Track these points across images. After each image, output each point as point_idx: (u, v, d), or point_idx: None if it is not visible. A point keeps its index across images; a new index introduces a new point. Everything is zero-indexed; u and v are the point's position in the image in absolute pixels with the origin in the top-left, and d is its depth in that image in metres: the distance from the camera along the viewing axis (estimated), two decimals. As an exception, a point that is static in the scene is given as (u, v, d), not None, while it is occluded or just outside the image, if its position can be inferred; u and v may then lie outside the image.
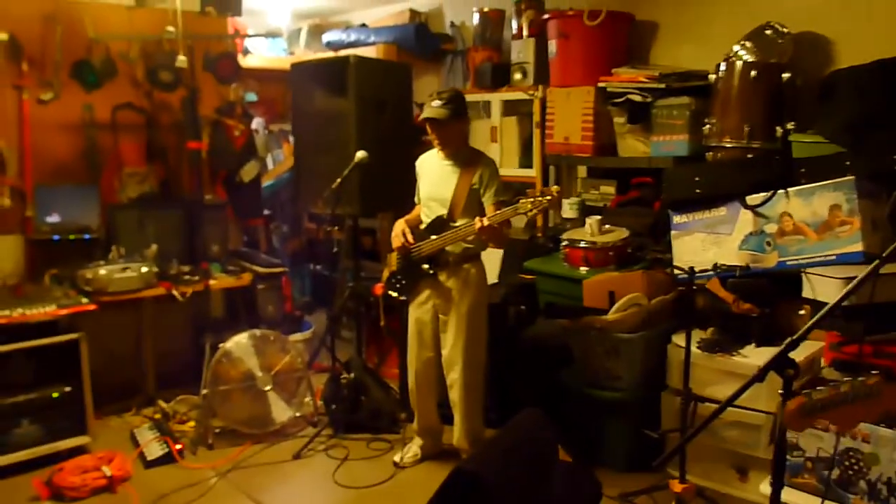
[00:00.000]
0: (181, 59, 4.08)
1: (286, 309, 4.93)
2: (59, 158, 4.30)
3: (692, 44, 4.06)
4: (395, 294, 3.59)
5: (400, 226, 3.55)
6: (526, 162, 4.65)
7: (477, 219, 3.18)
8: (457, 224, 3.36)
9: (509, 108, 4.74)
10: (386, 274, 3.67)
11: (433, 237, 3.40)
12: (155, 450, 3.74)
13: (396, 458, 3.67)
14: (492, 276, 4.56)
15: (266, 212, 5.55)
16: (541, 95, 4.44)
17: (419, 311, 3.56)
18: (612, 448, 3.52)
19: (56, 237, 4.18)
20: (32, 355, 3.63)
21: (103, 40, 4.21)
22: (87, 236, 4.22)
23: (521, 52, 4.62)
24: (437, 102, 3.32)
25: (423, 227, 3.51)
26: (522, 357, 3.72)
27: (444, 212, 3.41)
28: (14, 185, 4.17)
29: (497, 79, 4.75)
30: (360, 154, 3.64)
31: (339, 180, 3.63)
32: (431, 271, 3.43)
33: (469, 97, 4.87)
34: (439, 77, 5.48)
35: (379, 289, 3.76)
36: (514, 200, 3.13)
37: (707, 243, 3.04)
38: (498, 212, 3.20)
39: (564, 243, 3.94)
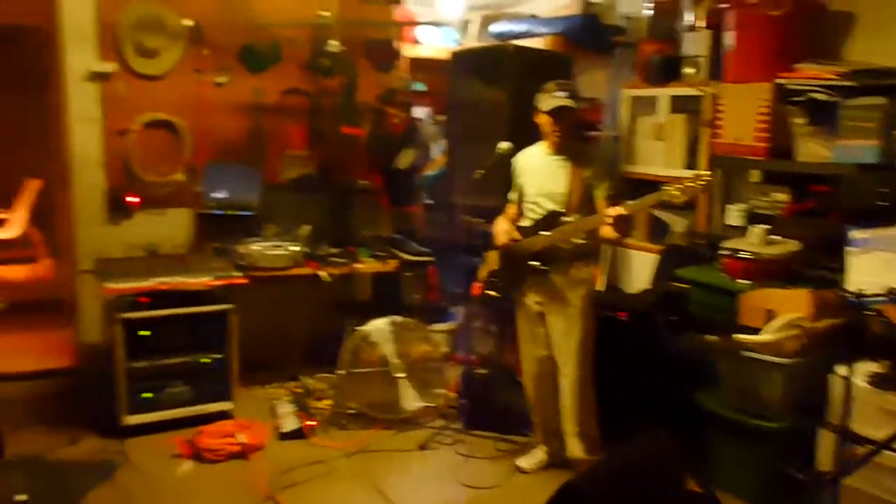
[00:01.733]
0: (332, 44, 4.17)
1: (432, 298, 4.93)
2: (228, 139, 4.54)
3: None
4: (494, 293, 3.48)
5: (504, 223, 3.46)
6: (691, 163, 4.33)
7: (611, 208, 3.00)
8: (570, 219, 3.20)
9: (677, 104, 4.43)
10: (484, 273, 3.57)
11: (545, 233, 3.26)
12: (290, 423, 3.86)
13: (520, 462, 3.54)
14: (643, 282, 4.30)
15: (429, 201, 5.58)
16: (712, 91, 4.10)
17: (528, 309, 3.44)
18: (745, 480, 3.18)
19: (220, 212, 4.42)
20: (188, 321, 3.85)
21: (269, 26, 4.39)
22: (247, 213, 4.43)
23: (695, 44, 4.30)
24: (562, 93, 3.21)
25: (525, 223, 3.40)
26: (658, 370, 3.45)
27: (555, 207, 3.28)
28: (189, 162, 4.46)
29: (666, 73, 4.44)
30: (505, 145, 3.53)
31: (481, 171, 3.54)
32: (542, 268, 3.28)
33: (635, 92, 4.65)
34: (606, 70, 5.24)
35: (477, 288, 3.65)
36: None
37: (890, 264, 2.65)
38: (639, 199, 3.00)
39: (724, 252, 3.61)
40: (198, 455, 3.56)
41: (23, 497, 2.94)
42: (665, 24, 4.64)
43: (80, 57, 4.15)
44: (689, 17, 4.39)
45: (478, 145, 4.11)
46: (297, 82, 4.65)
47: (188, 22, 4.33)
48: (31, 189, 6.48)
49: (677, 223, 4.31)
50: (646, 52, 4.67)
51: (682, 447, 2.51)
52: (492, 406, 3.89)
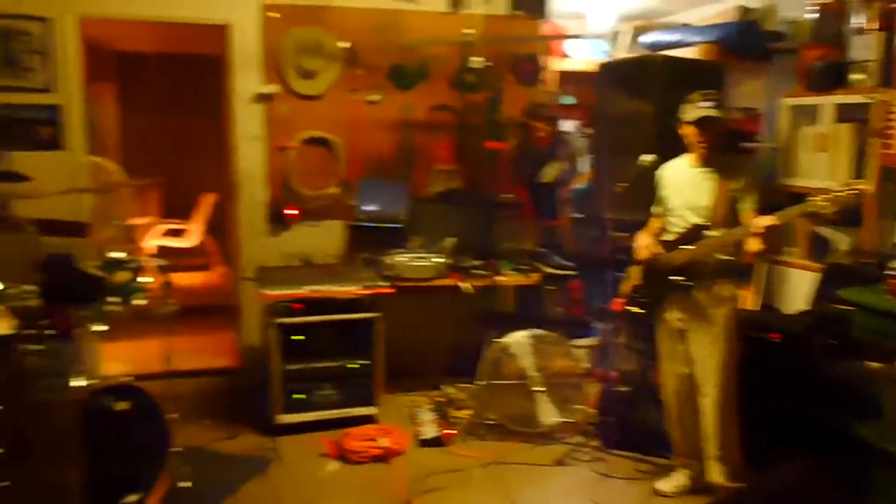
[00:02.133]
0: (476, 61, 4.25)
1: (575, 312, 4.87)
2: (379, 154, 4.74)
3: None
4: (636, 309, 3.39)
5: (645, 238, 3.37)
6: (858, 175, 4.01)
7: (759, 219, 2.86)
8: (714, 233, 3.08)
9: (843, 112, 4.12)
10: (627, 288, 3.47)
11: (688, 247, 3.13)
12: (430, 431, 3.95)
13: (660, 485, 3.42)
14: (801, 302, 4.04)
15: (577, 215, 5.54)
16: (883, 98, 3.79)
17: (668, 325, 3.33)
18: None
19: (370, 224, 4.62)
20: (338, 328, 4.05)
21: (416, 45, 4.55)
22: (394, 225, 4.59)
23: (864, 48, 3.99)
24: (706, 103, 3.10)
25: (669, 237, 3.30)
26: (811, 397, 3.22)
27: (699, 221, 3.16)
28: (342, 176, 4.69)
29: (831, 80, 4.15)
30: (648, 158, 3.44)
31: (624, 184, 3.47)
32: (686, 283, 3.15)
33: (795, 101, 4.38)
34: (764, 79, 4.97)
35: (619, 304, 3.55)
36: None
37: None
38: (787, 210, 2.85)
39: (893, 273, 3.32)
40: (343, 456, 3.72)
41: (187, 484, 3.22)
42: (830, 28, 4.34)
43: (246, 81, 4.50)
44: (857, 20, 4.09)
45: (624, 158, 4.04)
46: (444, 98, 4.78)
47: (344, 44, 4.57)
48: (206, 203, 7.07)
49: (841, 240, 4.01)
50: (808, 57, 4.39)
51: (839, 482, 2.33)
52: (632, 425, 3.79)
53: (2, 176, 2.07)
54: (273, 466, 3.66)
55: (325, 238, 4.71)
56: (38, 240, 2.40)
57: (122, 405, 2.96)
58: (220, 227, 6.81)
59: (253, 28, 4.46)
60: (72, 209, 3.86)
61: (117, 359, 4.17)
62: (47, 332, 2.35)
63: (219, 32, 4.54)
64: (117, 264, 3.27)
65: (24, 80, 4.12)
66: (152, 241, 6.58)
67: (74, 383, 2.41)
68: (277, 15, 4.45)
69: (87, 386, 2.63)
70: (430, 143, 4.82)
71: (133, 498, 2.98)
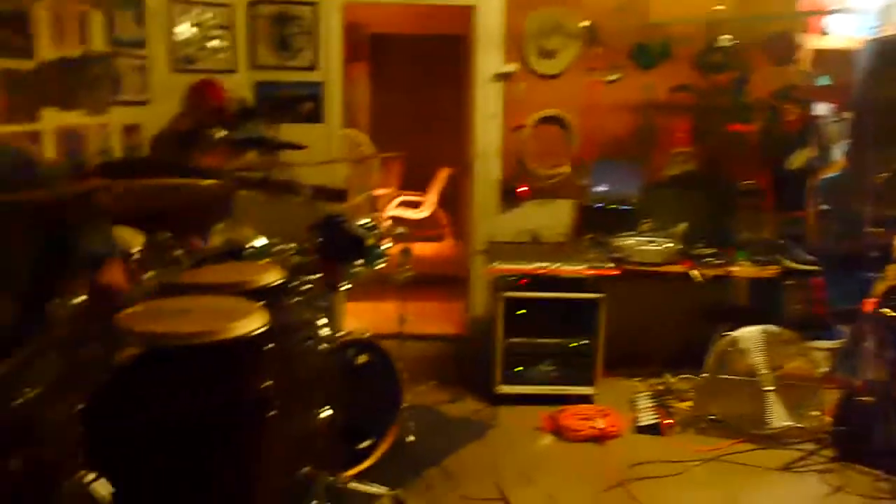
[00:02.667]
0: (725, 39, 4.03)
1: (815, 311, 4.52)
2: (614, 134, 4.68)
3: None
4: (891, 313, 3.05)
5: None
6: None
7: None
8: None
9: None
10: (882, 289, 3.12)
11: None
12: (647, 418, 3.89)
13: (904, 508, 3.11)
14: None
15: (824, 206, 5.12)
16: None
17: None
18: None
19: (600, 205, 4.60)
20: (562, 306, 4.10)
21: (662, 24, 4.41)
22: (625, 207, 4.54)
23: None
24: None
25: None
26: None
27: None
28: (575, 156, 4.71)
29: None
30: (918, 147, 3.10)
31: (884, 175, 3.16)
32: None
33: None
34: None
35: (871, 305, 3.20)
36: None
37: None
38: None
39: None
40: (558, 431, 3.79)
41: (412, 438, 3.47)
42: None
43: (487, 60, 4.64)
44: None
45: (887, 147, 3.67)
46: (686, 79, 4.60)
47: (584, 23, 4.55)
48: (441, 177, 7.43)
49: None
50: None
51: None
52: (874, 438, 3.46)
53: (283, 145, 2.36)
54: (491, 433, 3.82)
55: (555, 217, 4.76)
56: (314, 203, 2.71)
57: (362, 358, 3.24)
58: (452, 200, 7.15)
59: (497, 9, 4.58)
60: (328, 177, 4.25)
61: (357, 317, 4.55)
62: (314, 285, 2.65)
63: (465, 13, 4.72)
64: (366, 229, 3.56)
65: (294, 60, 4.57)
66: (391, 210, 7.05)
67: (326, 333, 2.68)
68: (524, -4, 4.56)
69: (336, 337, 2.92)
70: (668, 124, 4.67)
71: (366, 444, 3.27)
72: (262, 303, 1.97)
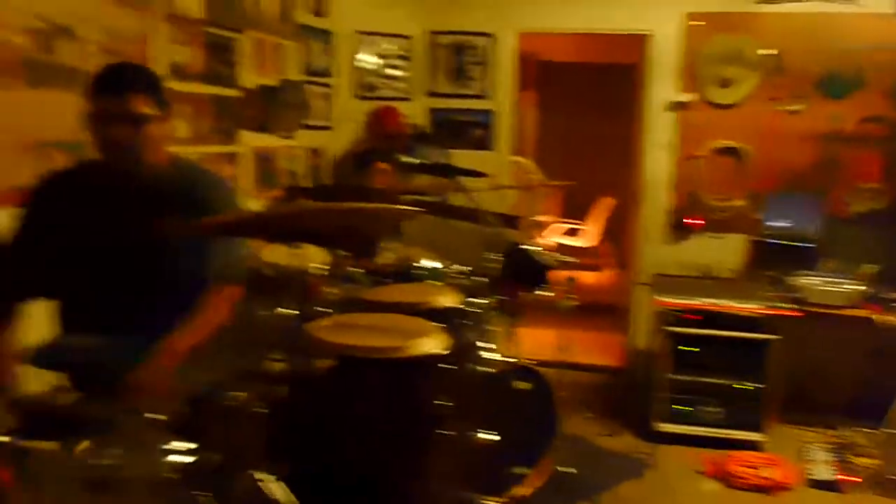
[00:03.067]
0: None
1: None
2: (793, 167, 4.44)
3: None
4: None
5: None
6: None
7: None
8: None
9: None
10: None
11: None
12: (822, 472, 3.62)
13: None
14: None
15: None
16: None
17: None
18: None
19: (777, 241, 4.36)
20: (731, 345, 3.91)
21: (854, 51, 4.14)
22: (804, 244, 4.27)
23: None
24: None
25: None
26: None
27: None
28: (750, 188, 4.51)
29: None
30: None
31: None
32: None
33: None
34: None
35: None
36: None
37: None
38: None
39: None
40: (722, 477, 3.60)
41: (571, 469, 3.42)
42: None
43: (661, 89, 4.56)
44: None
45: None
46: (878, 109, 4.29)
47: (768, 51, 4.37)
48: (604, 206, 7.33)
49: None
50: None
51: None
52: None
53: (466, 172, 2.44)
54: (649, 472, 3.69)
55: (726, 251, 4.57)
56: (498, 229, 2.78)
57: (522, 384, 3.25)
58: (614, 230, 7.03)
59: (673, 37, 4.50)
60: (496, 203, 4.33)
61: (518, 342, 4.57)
62: (486, 309, 2.71)
63: (637, 42, 4.67)
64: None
65: (467, 88, 4.72)
66: (553, 237, 7.04)
67: (492, 357, 2.72)
68: (702, 23, 4.43)
69: (501, 362, 2.96)
70: (855, 157, 4.37)
71: (521, 470, 3.26)
72: (441, 325, 2.04)
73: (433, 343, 1.89)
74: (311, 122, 4.19)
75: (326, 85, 4.37)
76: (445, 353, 1.87)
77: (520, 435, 3.24)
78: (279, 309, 1.25)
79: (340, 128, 4.48)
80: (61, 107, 2.33)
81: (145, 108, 1.86)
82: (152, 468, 1.14)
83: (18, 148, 2.20)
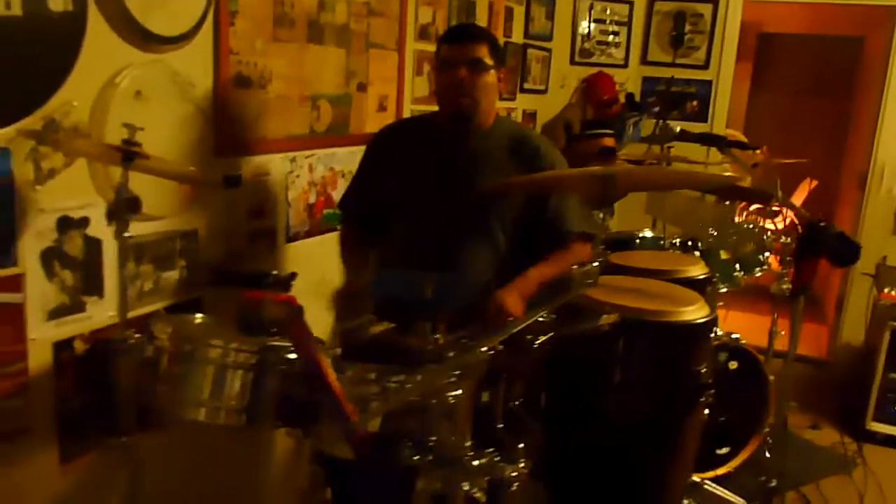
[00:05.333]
0: None
1: None
2: None
3: None
4: None
5: None
6: None
7: None
8: None
9: None
10: None
11: None
12: None
13: None
14: None
15: None
16: None
17: None
18: None
19: None
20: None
21: None
22: None
23: None
24: None
25: None
26: None
27: None
28: None
29: None
30: None
31: None
32: None
33: None
34: None
35: None
36: None
37: None
38: None
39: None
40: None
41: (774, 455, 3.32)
42: None
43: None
44: None
45: None
46: None
47: None
48: (805, 187, 6.88)
49: None
50: None
51: None
52: None
53: (738, 144, 2.36)
54: (857, 471, 3.51)
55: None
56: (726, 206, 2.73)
57: (733, 364, 3.18)
58: (821, 216, 6.57)
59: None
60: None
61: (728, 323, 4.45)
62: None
63: (874, 13, 4.31)
64: (748, 234, 3.47)
65: (687, 58, 4.58)
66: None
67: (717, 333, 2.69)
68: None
69: (718, 338, 2.91)
70: None
71: (725, 450, 3.21)
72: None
73: (699, 311, 1.91)
74: (528, 87, 4.25)
75: (545, 49, 4.40)
76: (712, 321, 1.89)
77: (727, 414, 3.19)
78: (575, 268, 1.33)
79: (554, 93, 4.51)
80: (331, 62, 2.54)
81: (486, 56, 2.04)
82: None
83: (296, 100, 2.41)
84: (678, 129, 2.38)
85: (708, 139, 2.39)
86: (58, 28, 1.62)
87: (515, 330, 1.25)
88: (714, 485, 2.94)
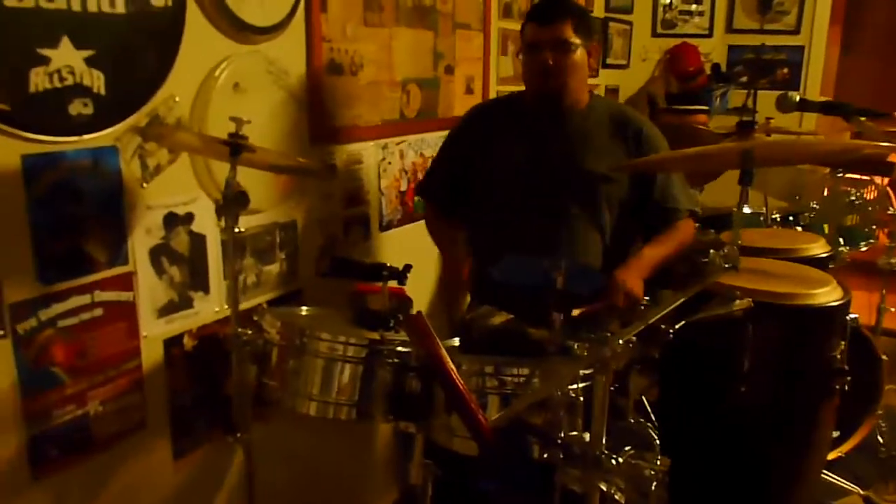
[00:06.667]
0: None
1: None
2: None
3: None
4: None
5: None
6: None
7: None
8: None
9: None
10: None
11: None
12: None
13: None
14: None
15: None
16: None
17: None
18: None
19: None
20: None
21: None
22: None
23: None
24: None
25: None
26: None
27: None
28: None
29: None
30: None
31: None
32: None
33: None
34: None
35: None
36: None
37: None
38: None
39: None
40: None
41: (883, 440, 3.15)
42: None
43: None
44: None
45: None
46: None
47: None
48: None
49: None
50: None
51: None
52: None
53: (868, 113, 2.22)
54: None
55: None
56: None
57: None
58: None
59: None
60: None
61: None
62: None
63: None
64: (850, 207, 3.30)
65: (776, 23, 4.35)
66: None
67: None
68: None
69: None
70: None
71: (835, 434, 3.05)
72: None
73: (836, 293, 1.79)
74: (610, 61, 4.11)
75: (627, 22, 4.25)
76: (847, 304, 1.77)
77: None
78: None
79: (636, 66, 4.36)
80: (419, 45, 2.48)
81: (572, 36, 1.94)
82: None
83: (386, 85, 2.37)
84: (797, 97, 2.22)
85: (833, 108, 2.23)
86: (159, 23, 1.61)
87: (656, 318, 1.17)
88: (824, 471, 2.80)
